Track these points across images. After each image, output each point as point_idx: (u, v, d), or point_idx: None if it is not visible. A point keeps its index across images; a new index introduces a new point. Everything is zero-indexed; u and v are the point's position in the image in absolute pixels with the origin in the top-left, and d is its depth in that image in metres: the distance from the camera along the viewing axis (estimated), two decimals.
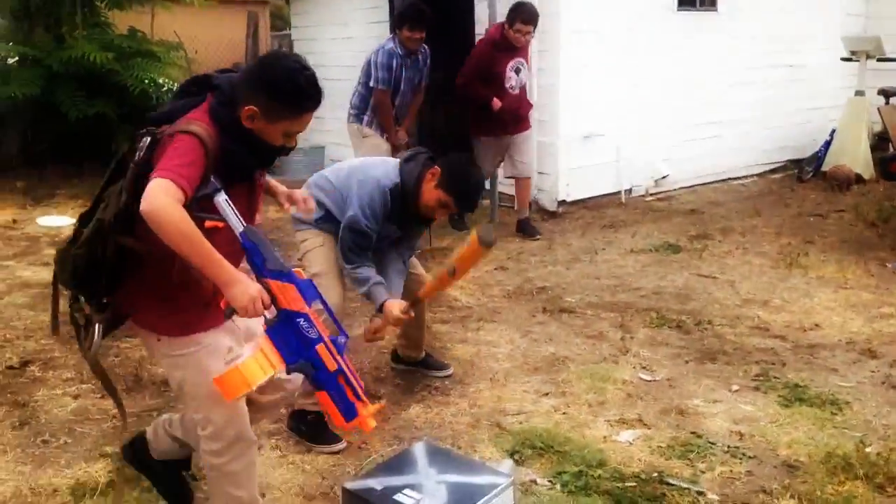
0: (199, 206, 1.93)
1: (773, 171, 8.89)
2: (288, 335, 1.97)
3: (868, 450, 3.07)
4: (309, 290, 2.00)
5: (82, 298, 2.16)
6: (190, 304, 2.14)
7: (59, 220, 7.02)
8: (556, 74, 7.02)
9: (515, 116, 6.28)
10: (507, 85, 6.08)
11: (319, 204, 3.21)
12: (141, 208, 1.85)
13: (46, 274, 5.36)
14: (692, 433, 3.27)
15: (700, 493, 2.81)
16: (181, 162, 1.90)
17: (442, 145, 8.02)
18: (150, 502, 2.69)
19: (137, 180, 1.95)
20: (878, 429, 3.31)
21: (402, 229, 3.30)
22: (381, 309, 3.13)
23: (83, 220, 2.12)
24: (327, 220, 3.26)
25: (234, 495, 2.34)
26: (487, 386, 3.69)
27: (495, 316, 4.68)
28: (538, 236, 6.47)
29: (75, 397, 3.45)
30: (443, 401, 3.54)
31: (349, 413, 2.02)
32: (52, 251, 6.02)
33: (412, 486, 2.62)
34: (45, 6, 8.79)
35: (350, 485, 2.68)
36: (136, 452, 2.59)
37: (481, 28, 6.98)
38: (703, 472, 2.97)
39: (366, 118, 6.05)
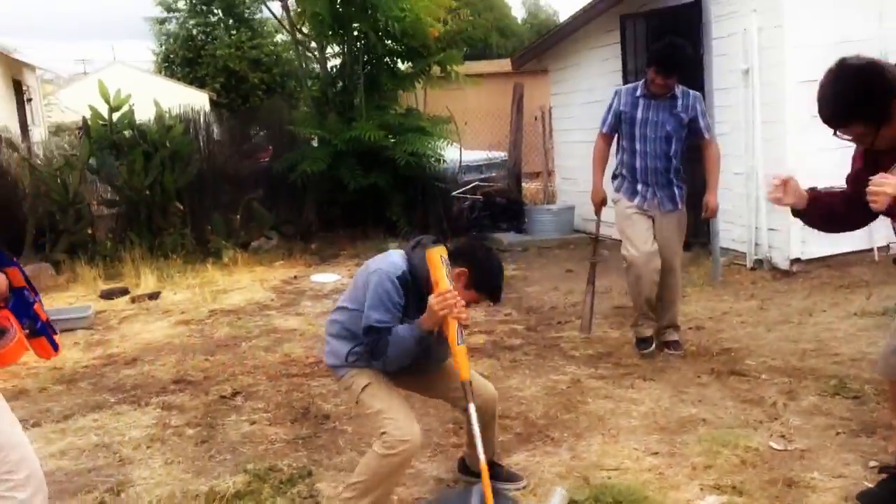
0: None
1: None
2: (20, 305, 2.55)
3: None
4: (22, 268, 2.60)
5: None
6: None
7: (327, 277, 8.21)
8: (781, 121, 6.74)
9: None
10: None
11: (346, 336, 3.04)
12: None
13: (295, 322, 6.42)
14: None
15: None
16: None
17: None
18: None
19: None
20: None
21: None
22: (425, 326, 2.85)
23: None
24: (361, 354, 3.00)
25: None
26: (600, 441, 3.80)
27: (657, 374, 4.70)
28: None
29: (252, 423, 4.22)
30: (551, 451, 3.73)
31: (55, 347, 2.68)
32: (309, 303, 7.13)
33: None
34: (340, 95, 10.38)
35: None
36: None
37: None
38: None
39: (615, 182, 5.09)
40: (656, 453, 3.65)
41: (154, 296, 7.26)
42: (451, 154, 10.70)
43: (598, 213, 5.28)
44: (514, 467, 3.56)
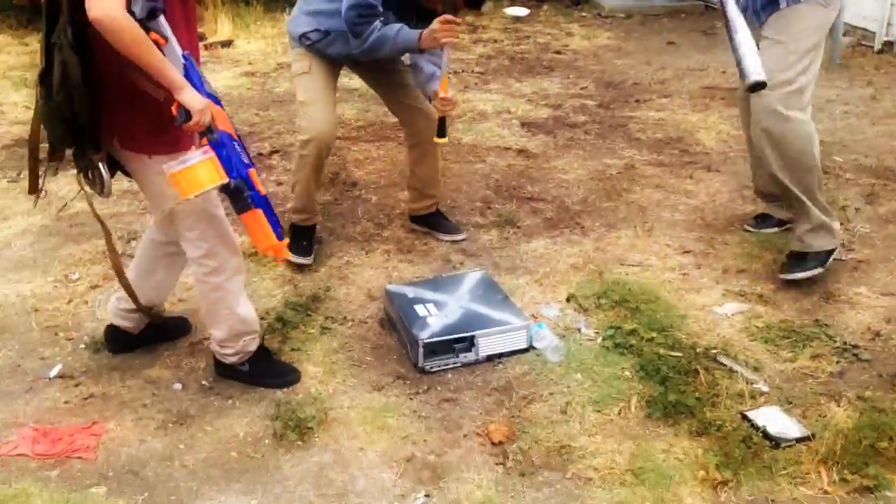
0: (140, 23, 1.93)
1: None
2: (227, 153, 2.07)
3: None
4: (231, 121, 2.12)
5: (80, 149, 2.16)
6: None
7: None
8: None
9: None
10: None
11: (311, 17, 3.01)
12: (90, 15, 1.84)
13: (359, 81, 6.08)
14: (815, 321, 2.78)
15: (749, 382, 2.46)
16: None
17: None
18: None
19: None
20: None
21: (402, 21, 2.91)
22: (423, 44, 2.86)
23: (44, 78, 2.04)
24: (319, 41, 3.01)
25: (236, 312, 2.40)
26: (631, 234, 3.48)
27: (726, 165, 4.23)
28: None
29: (279, 184, 4.04)
30: (575, 240, 3.44)
31: (278, 233, 2.18)
32: None
33: (437, 303, 2.76)
34: None
35: (391, 287, 2.92)
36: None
37: None
38: (778, 363, 2.57)
39: None
40: (689, 252, 3.32)
41: (227, 44, 7.06)
42: None
43: None
44: (529, 253, 3.33)
